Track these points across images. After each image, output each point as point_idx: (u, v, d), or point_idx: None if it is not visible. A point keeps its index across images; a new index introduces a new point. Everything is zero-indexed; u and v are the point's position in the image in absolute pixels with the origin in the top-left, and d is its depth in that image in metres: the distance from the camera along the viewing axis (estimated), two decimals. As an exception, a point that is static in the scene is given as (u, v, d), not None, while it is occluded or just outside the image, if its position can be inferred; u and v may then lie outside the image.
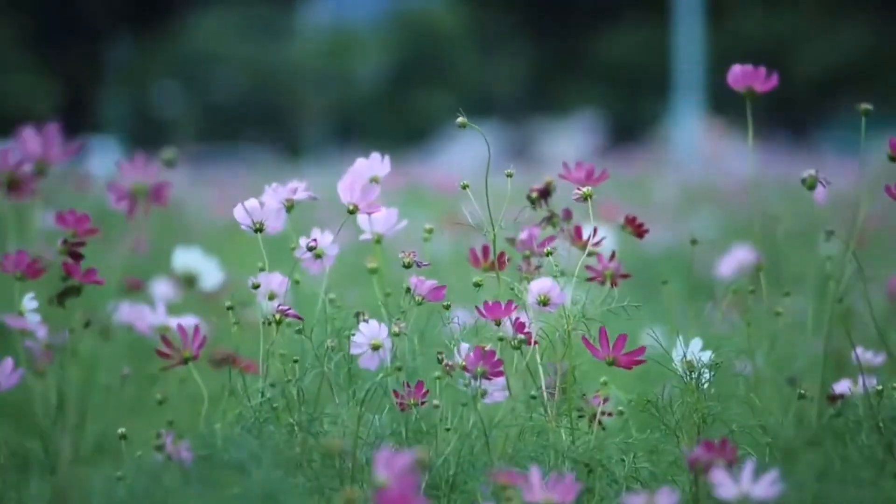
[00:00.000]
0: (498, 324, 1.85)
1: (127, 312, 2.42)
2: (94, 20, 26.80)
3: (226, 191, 8.55)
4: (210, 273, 2.82)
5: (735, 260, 3.13)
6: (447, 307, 1.88)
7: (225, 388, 1.82)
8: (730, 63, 2.00)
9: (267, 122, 25.92)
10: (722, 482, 1.57)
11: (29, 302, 1.88)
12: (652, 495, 1.60)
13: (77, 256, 1.86)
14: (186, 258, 2.81)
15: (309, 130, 24.83)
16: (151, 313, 2.42)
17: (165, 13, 27.25)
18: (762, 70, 1.98)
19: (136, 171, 1.76)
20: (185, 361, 1.86)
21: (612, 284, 1.97)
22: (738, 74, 1.98)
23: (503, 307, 1.86)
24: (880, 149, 1.92)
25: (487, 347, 1.82)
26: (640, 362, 1.82)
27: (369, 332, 1.85)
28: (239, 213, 1.89)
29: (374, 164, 1.96)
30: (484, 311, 1.86)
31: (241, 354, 1.92)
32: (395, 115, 25.97)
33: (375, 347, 1.84)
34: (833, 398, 1.92)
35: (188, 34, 26.95)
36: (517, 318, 1.86)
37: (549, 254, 1.90)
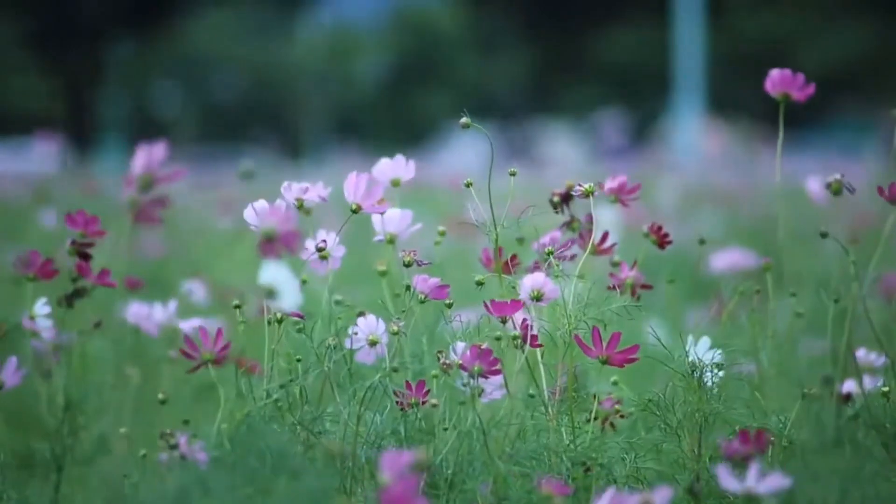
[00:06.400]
0: (504, 322, 1.85)
1: (133, 313, 2.40)
2: (93, 20, 26.80)
3: (226, 192, 8.53)
4: (290, 292, 2.75)
5: (730, 257, 3.14)
6: (449, 305, 1.88)
7: (230, 389, 1.82)
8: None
9: (267, 122, 25.91)
10: (726, 478, 1.57)
11: (41, 307, 1.87)
12: (644, 494, 1.60)
13: (86, 257, 1.87)
14: (271, 273, 2.76)
15: (309, 130, 24.82)
16: (162, 313, 2.40)
17: (165, 13, 27.24)
18: (801, 76, 1.93)
19: (146, 160, 1.79)
20: (206, 363, 1.86)
21: (631, 293, 1.97)
22: (777, 80, 1.93)
23: (510, 305, 1.85)
24: (881, 149, 1.93)
25: (484, 346, 1.82)
26: (633, 361, 1.82)
27: (367, 327, 1.86)
28: (248, 214, 1.90)
29: (397, 166, 1.98)
30: (491, 309, 1.85)
31: (246, 355, 1.92)
32: (395, 115, 25.96)
33: (373, 343, 1.86)
34: (845, 398, 1.91)
35: (188, 34, 26.95)
36: (523, 319, 1.86)
37: (550, 253, 1.89)
